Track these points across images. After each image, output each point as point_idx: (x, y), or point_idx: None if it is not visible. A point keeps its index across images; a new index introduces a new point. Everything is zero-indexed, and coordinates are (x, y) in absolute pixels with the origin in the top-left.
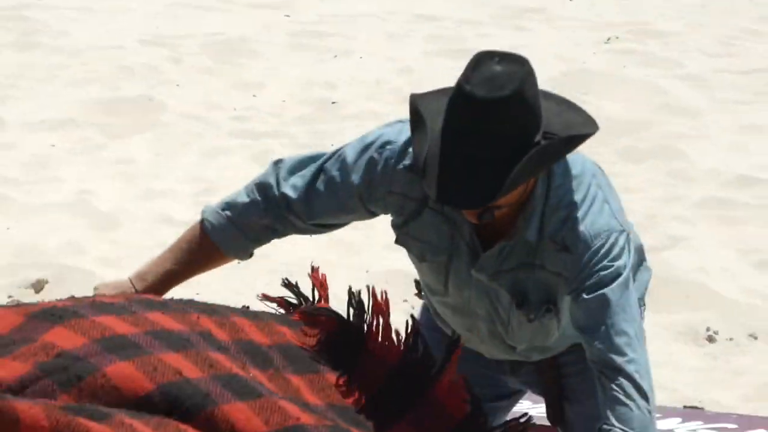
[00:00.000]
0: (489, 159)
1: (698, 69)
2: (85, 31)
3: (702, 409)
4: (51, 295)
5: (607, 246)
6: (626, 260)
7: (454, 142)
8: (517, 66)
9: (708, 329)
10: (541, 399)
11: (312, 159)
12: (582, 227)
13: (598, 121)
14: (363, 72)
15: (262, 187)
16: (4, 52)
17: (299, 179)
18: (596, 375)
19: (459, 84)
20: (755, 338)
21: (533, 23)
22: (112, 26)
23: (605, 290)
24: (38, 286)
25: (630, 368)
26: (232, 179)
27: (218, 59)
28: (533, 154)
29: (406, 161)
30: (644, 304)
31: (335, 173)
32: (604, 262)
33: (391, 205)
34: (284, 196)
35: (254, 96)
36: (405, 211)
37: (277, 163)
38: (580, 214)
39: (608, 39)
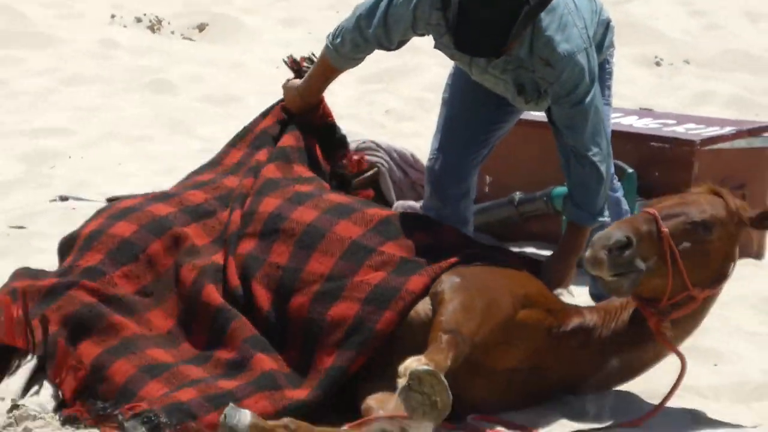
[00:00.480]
0: (493, 21)
1: None
2: None
3: (652, 110)
4: (210, 33)
5: (579, 65)
6: (593, 70)
7: (468, 9)
8: None
9: (656, 57)
10: None
11: (376, 4)
12: (559, 49)
13: None
14: None
15: (353, 38)
16: None
17: (376, 23)
18: (567, 158)
19: None
20: (688, 63)
21: None
22: None
23: (582, 105)
24: (201, 27)
25: (595, 158)
26: None
27: None
28: (522, 17)
29: (438, 4)
30: (614, 46)
31: (395, 17)
32: (579, 79)
33: (431, 30)
34: (371, 39)
35: None
36: (440, 33)
37: (358, 16)
38: (557, 38)
39: None
